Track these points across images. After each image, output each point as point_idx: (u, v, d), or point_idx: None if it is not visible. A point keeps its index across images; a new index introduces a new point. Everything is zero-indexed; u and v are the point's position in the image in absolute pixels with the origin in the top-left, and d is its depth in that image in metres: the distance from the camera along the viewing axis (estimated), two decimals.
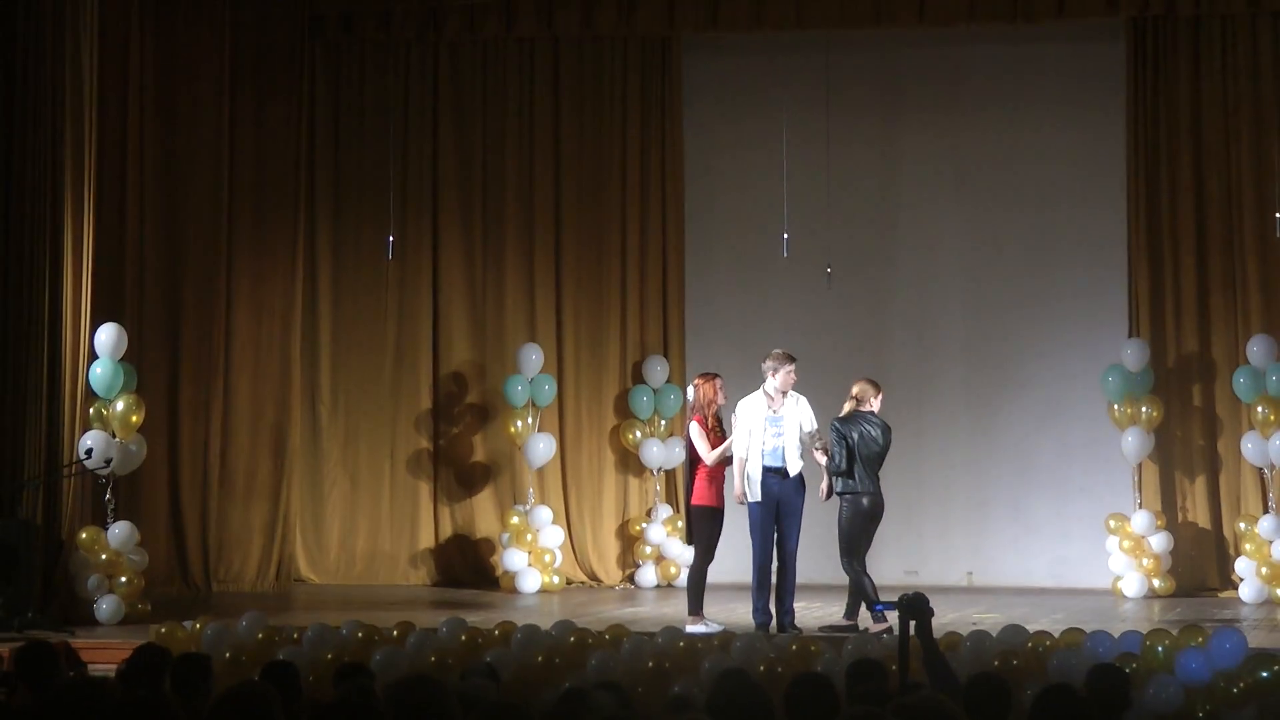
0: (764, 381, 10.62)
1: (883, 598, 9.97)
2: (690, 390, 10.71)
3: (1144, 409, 12.89)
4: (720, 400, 10.66)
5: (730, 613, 11.14)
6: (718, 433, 10.58)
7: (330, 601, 12.71)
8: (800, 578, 10.61)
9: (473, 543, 14.13)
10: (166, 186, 12.99)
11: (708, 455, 10.42)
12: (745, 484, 10.46)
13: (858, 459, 10.43)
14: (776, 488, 10.43)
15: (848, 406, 10.60)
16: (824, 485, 10.60)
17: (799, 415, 10.54)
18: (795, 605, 10.54)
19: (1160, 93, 13.31)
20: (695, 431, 10.50)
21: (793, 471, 10.47)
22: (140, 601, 11.38)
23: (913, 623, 6.71)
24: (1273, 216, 12.78)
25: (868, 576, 10.38)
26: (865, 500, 10.44)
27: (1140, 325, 13.19)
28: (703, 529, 10.49)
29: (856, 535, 10.44)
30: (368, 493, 14.18)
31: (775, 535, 10.47)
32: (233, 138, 13.42)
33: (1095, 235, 13.66)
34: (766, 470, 10.44)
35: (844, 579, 10.64)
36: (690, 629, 10.15)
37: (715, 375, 10.70)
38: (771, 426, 10.50)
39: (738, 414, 10.57)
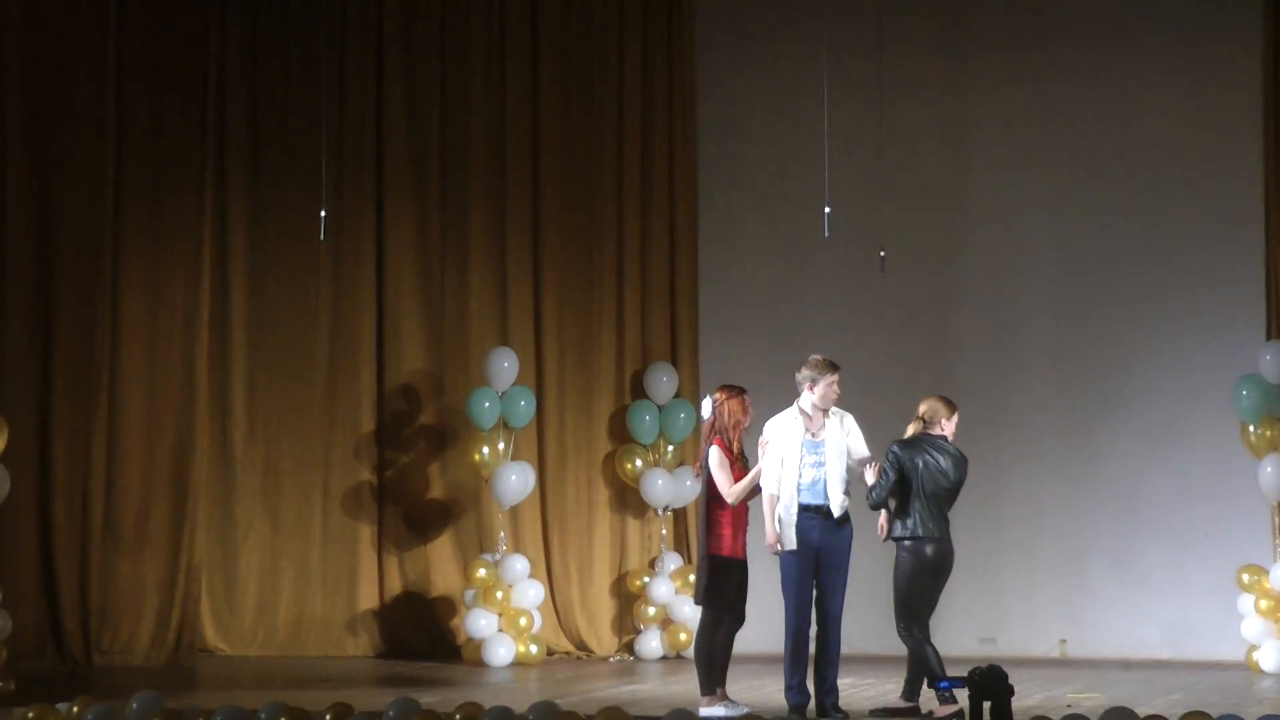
0: (799, 397, 10.58)
1: (951, 672, 9.94)
2: (707, 405, 10.64)
3: None
4: (747, 422, 10.59)
5: (757, 691, 11.11)
6: (742, 464, 10.52)
7: (245, 678, 12.72)
8: (846, 647, 10.56)
9: (428, 603, 14.14)
10: (34, 149, 13.02)
11: (729, 490, 10.37)
12: (777, 527, 10.40)
13: (920, 496, 10.38)
14: (816, 533, 10.37)
15: (912, 428, 10.55)
16: (882, 522, 10.54)
17: (844, 438, 10.48)
18: (840, 682, 10.49)
19: None
20: (715, 459, 10.42)
21: (837, 511, 10.41)
22: (2, 677, 11.37)
23: (987, 704, 6.66)
24: None
25: (931, 645, 10.36)
26: (929, 549, 10.41)
27: None
28: (721, 586, 10.42)
29: (917, 593, 10.42)
30: (293, 539, 14.21)
31: (814, 593, 10.42)
32: (120, 88, 13.43)
33: (1223, 212, 13.68)
34: (803, 510, 10.39)
35: (901, 649, 10.61)
36: (705, 712, 10.11)
37: (742, 391, 10.63)
38: (809, 454, 10.43)
39: (766, 437, 10.52)
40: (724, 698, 10.40)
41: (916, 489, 10.38)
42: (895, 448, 10.44)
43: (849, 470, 10.46)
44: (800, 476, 10.41)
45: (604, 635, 14.03)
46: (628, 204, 14.19)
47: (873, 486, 10.39)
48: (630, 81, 14.19)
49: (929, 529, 10.39)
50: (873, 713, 10.40)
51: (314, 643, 14.06)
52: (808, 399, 10.53)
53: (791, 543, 10.37)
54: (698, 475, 10.64)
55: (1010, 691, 6.84)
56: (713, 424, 10.53)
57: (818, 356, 10.62)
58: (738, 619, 10.48)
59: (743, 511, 10.47)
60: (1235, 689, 11.70)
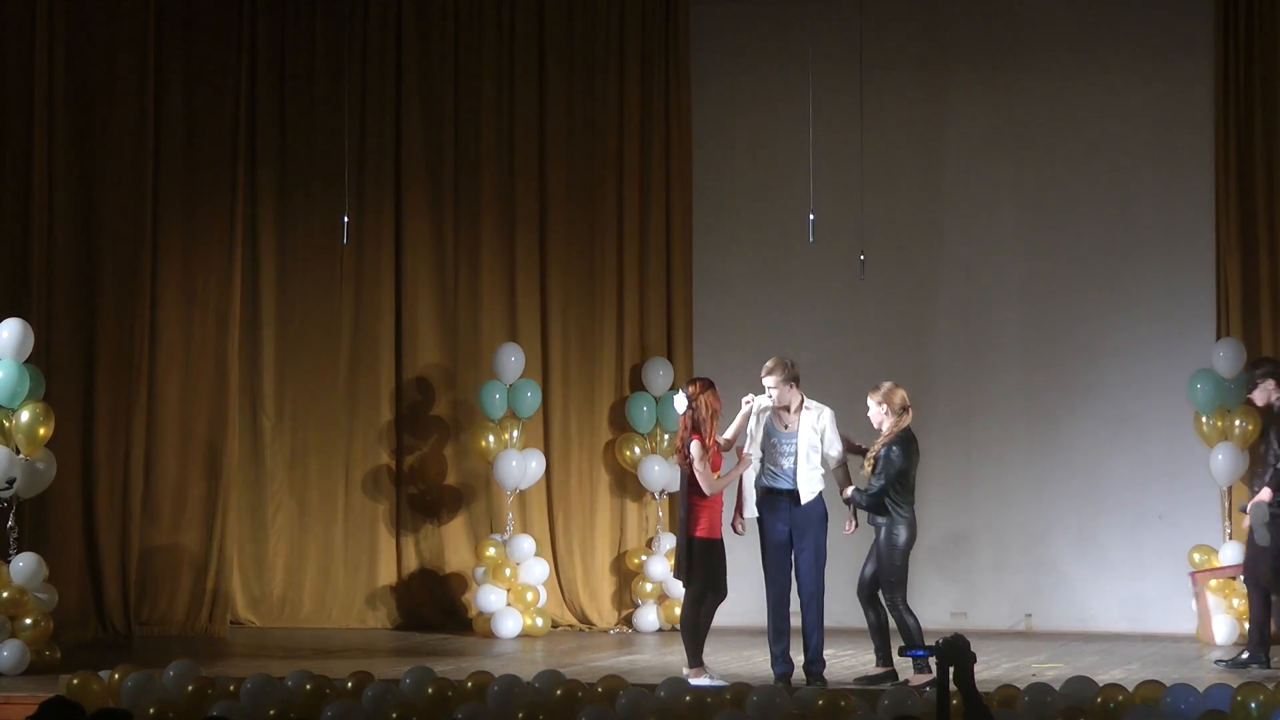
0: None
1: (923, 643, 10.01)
2: (681, 400, 10.69)
3: (1237, 422, 12.93)
4: (720, 410, 10.64)
5: (745, 661, 11.22)
6: (720, 451, 10.59)
7: (273, 647, 12.80)
8: (828, 620, 10.66)
9: (441, 579, 14.22)
10: (80, 158, 13.04)
11: (708, 484, 10.44)
12: (742, 509, 10.56)
13: (912, 480, 10.53)
14: (787, 515, 10.50)
15: (901, 419, 10.58)
16: (851, 521, 10.68)
17: (817, 434, 10.57)
18: (824, 653, 10.61)
19: (1256, 47, 13.39)
20: (696, 453, 10.48)
21: (805, 497, 10.52)
22: (49, 647, 11.45)
23: (951, 669, 6.79)
24: None
25: (913, 614, 10.46)
26: (916, 525, 10.56)
27: (1231, 322, 13.29)
28: (702, 565, 10.50)
29: (903, 567, 10.53)
30: (318, 520, 14.26)
31: (792, 570, 10.54)
32: (158, 99, 13.48)
33: (1178, 216, 13.75)
34: (775, 493, 10.52)
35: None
36: (695, 681, 10.20)
37: (712, 384, 10.69)
38: (783, 444, 10.57)
39: (750, 403, 10.66)
40: (705, 668, 10.49)
41: (912, 476, 10.53)
42: (901, 460, 10.45)
43: (825, 463, 10.57)
44: (772, 464, 10.56)
45: (604, 609, 14.12)
46: (627, 211, 14.24)
47: (868, 492, 10.46)
48: (630, 99, 14.23)
49: (914, 507, 10.54)
50: (856, 681, 10.48)
51: (337, 615, 14.12)
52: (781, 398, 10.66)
53: (753, 511, 10.49)
54: (680, 463, 10.70)
55: (973, 658, 6.93)
56: (692, 417, 10.60)
57: (790, 362, 10.70)
58: (719, 595, 10.56)
59: (719, 495, 10.57)
60: (1187, 660, 11.81)
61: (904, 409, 10.59)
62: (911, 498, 10.54)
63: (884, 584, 10.51)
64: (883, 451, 10.49)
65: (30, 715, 6.61)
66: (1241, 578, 11.93)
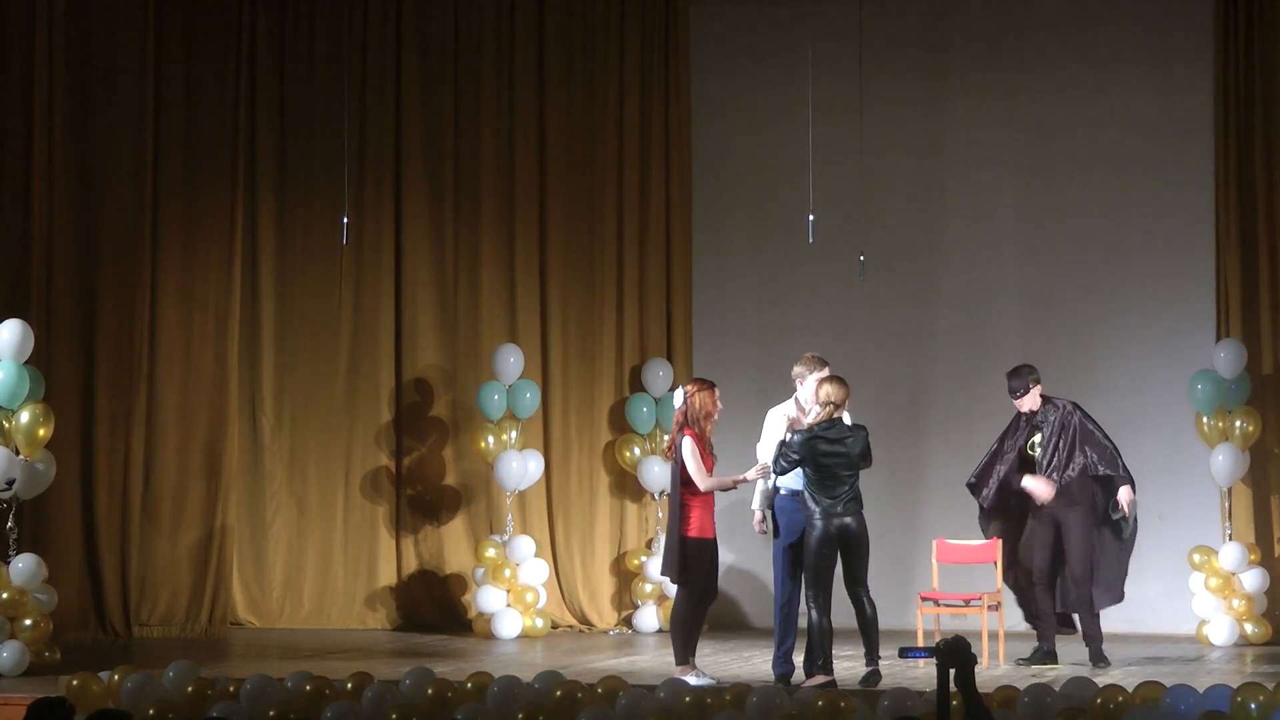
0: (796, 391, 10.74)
1: (925, 643, 10.02)
2: (679, 396, 10.73)
3: (1238, 423, 12.99)
4: (716, 414, 10.66)
5: (745, 662, 11.23)
6: (710, 454, 10.64)
7: (273, 648, 12.83)
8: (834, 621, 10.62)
9: (441, 580, 14.25)
10: (79, 158, 13.09)
11: (701, 480, 10.46)
12: (765, 511, 10.57)
13: (824, 475, 10.49)
14: (800, 516, 10.52)
15: (834, 413, 10.53)
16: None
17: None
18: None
19: (1256, 46, 13.40)
20: (688, 449, 10.49)
21: None
22: (48, 648, 11.47)
23: (952, 671, 6.81)
24: None
25: (829, 619, 10.45)
26: (821, 521, 10.50)
27: (1231, 324, 13.32)
28: (693, 565, 10.51)
29: (814, 566, 10.47)
30: (318, 521, 14.29)
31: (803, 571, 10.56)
32: (158, 100, 13.53)
33: (1178, 223, 13.76)
34: (791, 495, 10.54)
35: (884, 621, 10.69)
36: (695, 682, 10.22)
37: (712, 385, 10.73)
38: None
39: (767, 424, 10.67)
40: (694, 667, 10.54)
41: (821, 469, 10.47)
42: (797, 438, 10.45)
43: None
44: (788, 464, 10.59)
45: (604, 610, 14.14)
46: (627, 212, 14.26)
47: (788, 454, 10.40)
48: (630, 99, 14.25)
49: (826, 505, 10.47)
50: (860, 683, 10.47)
51: (336, 616, 14.15)
52: (802, 393, 10.69)
53: (761, 510, 10.55)
54: (667, 458, 10.73)
55: (974, 660, 6.95)
56: (685, 414, 10.63)
57: (810, 354, 10.75)
58: (710, 595, 10.60)
59: (710, 495, 10.60)
60: (1187, 660, 11.85)
61: (827, 404, 10.51)
62: (823, 494, 10.43)
63: (846, 580, 10.48)
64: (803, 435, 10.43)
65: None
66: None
